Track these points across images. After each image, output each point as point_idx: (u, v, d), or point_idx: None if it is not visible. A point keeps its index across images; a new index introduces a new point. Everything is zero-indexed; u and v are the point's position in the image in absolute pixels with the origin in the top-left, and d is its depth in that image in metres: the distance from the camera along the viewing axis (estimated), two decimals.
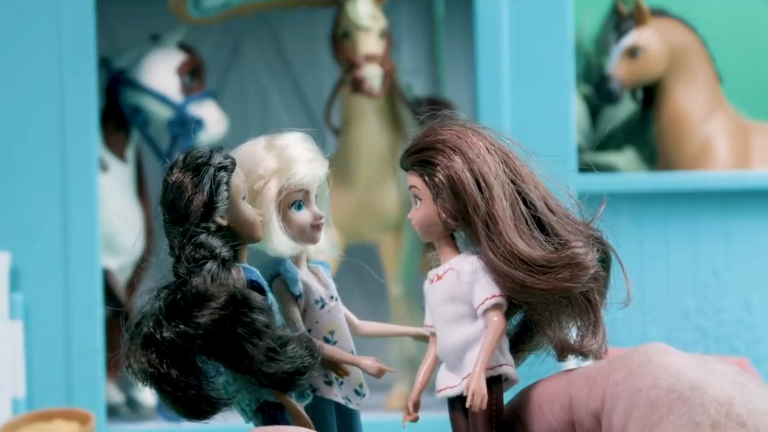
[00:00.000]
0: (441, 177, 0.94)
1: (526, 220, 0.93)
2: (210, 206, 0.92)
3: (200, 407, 0.92)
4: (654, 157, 2.37)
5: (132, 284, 2.03)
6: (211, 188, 0.92)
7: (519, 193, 0.93)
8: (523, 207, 0.93)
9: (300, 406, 0.94)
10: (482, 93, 1.96)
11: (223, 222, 0.93)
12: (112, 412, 2.01)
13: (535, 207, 0.93)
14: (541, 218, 0.93)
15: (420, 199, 0.96)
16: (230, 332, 0.90)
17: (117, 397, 2.05)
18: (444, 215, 0.94)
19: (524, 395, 0.96)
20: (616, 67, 2.28)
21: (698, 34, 2.33)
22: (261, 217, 0.95)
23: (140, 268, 2.06)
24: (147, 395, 2.03)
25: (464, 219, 0.93)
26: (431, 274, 0.97)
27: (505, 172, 0.94)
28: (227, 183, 0.93)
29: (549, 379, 0.96)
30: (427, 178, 0.95)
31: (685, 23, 2.33)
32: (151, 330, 0.90)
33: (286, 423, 0.94)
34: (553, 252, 0.92)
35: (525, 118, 1.95)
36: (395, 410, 1.99)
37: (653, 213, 2.14)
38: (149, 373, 0.91)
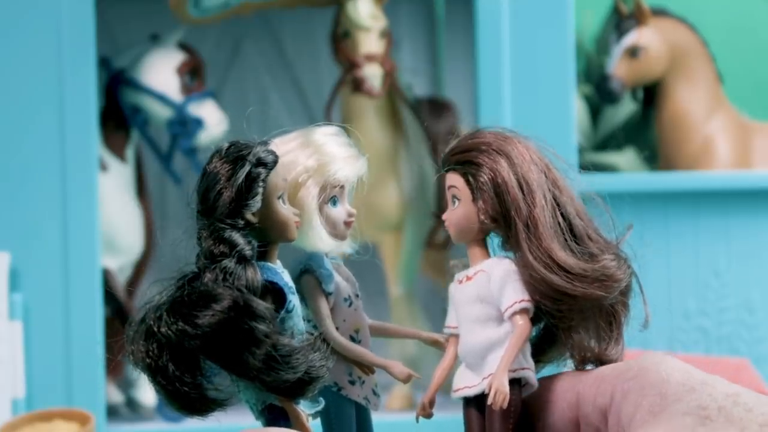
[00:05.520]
0: (485, 177, 0.95)
1: (562, 229, 0.95)
2: (240, 202, 0.91)
3: (194, 405, 0.91)
4: (655, 157, 2.37)
5: (132, 284, 2.03)
6: (244, 184, 0.91)
7: (557, 203, 0.95)
8: (560, 217, 0.95)
9: (304, 414, 0.94)
10: (482, 93, 1.96)
11: (253, 219, 0.92)
12: (112, 412, 2.01)
13: (570, 218, 0.95)
14: (574, 229, 0.95)
15: (459, 199, 0.96)
16: (228, 337, 0.89)
17: (117, 397, 2.05)
18: (483, 216, 0.95)
19: (529, 393, 0.97)
20: (617, 66, 2.28)
21: (699, 34, 2.33)
22: (297, 217, 0.95)
23: (140, 268, 2.06)
24: (147, 395, 2.03)
25: (504, 220, 0.94)
26: (460, 275, 0.98)
27: (545, 181, 0.95)
28: (263, 180, 0.92)
29: (554, 378, 0.97)
30: (470, 178, 0.95)
31: (686, 23, 2.33)
32: (152, 323, 0.90)
33: (289, 428, 0.93)
34: (587, 262, 0.93)
35: (525, 118, 1.95)
36: (395, 411, 1.99)
37: (653, 213, 2.14)
38: (147, 363, 0.91)
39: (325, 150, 0.97)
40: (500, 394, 0.92)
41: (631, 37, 2.29)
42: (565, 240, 0.94)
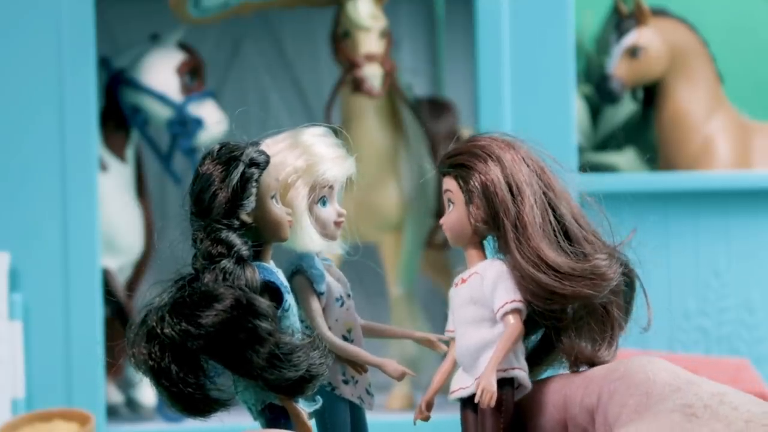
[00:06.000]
0: (475, 181, 0.95)
1: (554, 230, 0.95)
2: (235, 202, 0.92)
3: (198, 406, 0.91)
4: (655, 157, 2.37)
5: (132, 284, 2.03)
6: (238, 184, 0.92)
7: (550, 205, 0.96)
8: (552, 218, 0.95)
9: (305, 413, 0.94)
10: (482, 93, 1.96)
11: (248, 219, 0.92)
12: (112, 412, 2.01)
13: (564, 220, 0.96)
14: (569, 231, 0.95)
15: (453, 203, 0.97)
16: (232, 336, 0.89)
17: (117, 397, 2.05)
18: (474, 219, 0.95)
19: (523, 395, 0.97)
20: (617, 66, 2.28)
21: (699, 34, 2.33)
22: (290, 216, 0.95)
23: (140, 268, 2.06)
24: (147, 395, 2.03)
25: (494, 223, 0.95)
26: (456, 278, 0.98)
27: (538, 183, 0.96)
28: (256, 180, 0.93)
29: (545, 380, 0.97)
30: (461, 182, 0.96)
31: (686, 23, 2.33)
32: (154, 324, 0.90)
33: (289, 428, 0.93)
34: (577, 262, 0.94)
35: (525, 118, 1.95)
36: (395, 411, 1.99)
37: (653, 213, 2.14)
38: (149, 366, 0.91)
39: (314, 150, 0.98)
40: (487, 392, 0.92)
41: (631, 37, 2.29)
42: (557, 240, 0.95)
